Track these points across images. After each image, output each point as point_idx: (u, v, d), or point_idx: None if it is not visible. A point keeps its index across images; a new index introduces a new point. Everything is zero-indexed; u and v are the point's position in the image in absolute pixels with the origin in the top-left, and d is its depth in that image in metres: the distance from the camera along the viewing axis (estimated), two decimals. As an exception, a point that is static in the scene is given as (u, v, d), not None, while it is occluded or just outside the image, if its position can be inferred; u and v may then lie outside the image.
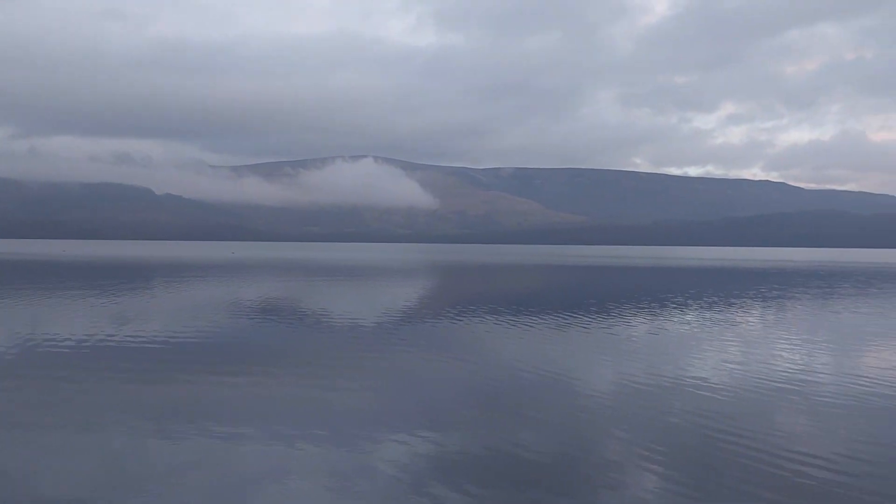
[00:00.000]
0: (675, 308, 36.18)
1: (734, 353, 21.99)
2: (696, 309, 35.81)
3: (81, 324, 26.99)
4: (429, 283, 60.66)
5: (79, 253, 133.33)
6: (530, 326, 28.04)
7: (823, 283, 60.68)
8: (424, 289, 53.82)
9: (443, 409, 14.73)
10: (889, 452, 11.82)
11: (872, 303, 40.90)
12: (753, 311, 35.21)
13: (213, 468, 11.06)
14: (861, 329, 28.40)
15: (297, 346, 22.87)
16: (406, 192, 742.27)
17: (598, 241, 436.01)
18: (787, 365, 19.73)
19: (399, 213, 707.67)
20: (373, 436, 12.69)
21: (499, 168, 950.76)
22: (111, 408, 14.36)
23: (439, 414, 14.27)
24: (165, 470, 10.88)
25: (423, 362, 20.04)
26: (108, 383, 16.59)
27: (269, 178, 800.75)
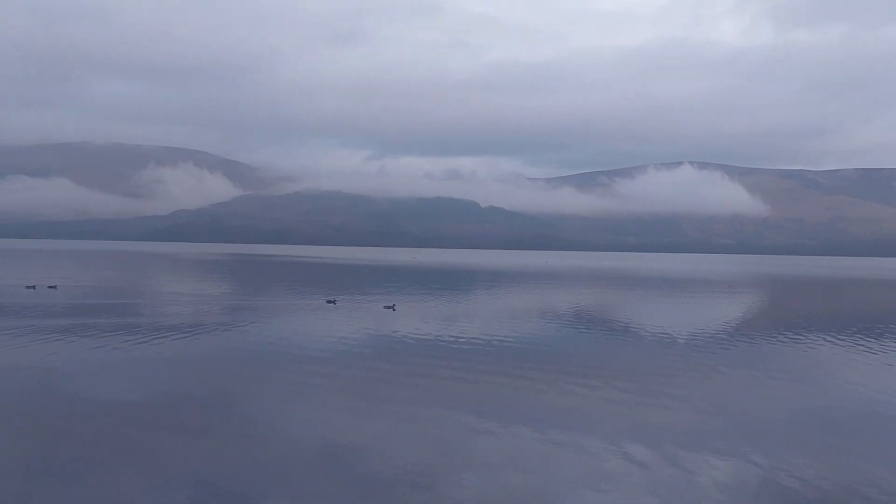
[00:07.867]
0: None
1: None
2: None
3: (424, 323, 29.90)
4: (759, 299, 55.19)
5: (426, 261, 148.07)
6: (881, 351, 23.70)
7: None
8: (754, 304, 49.09)
9: (771, 432, 13.13)
10: None
11: None
12: None
13: (524, 469, 11.22)
14: None
15: (609, 356, 22.35)
16: (730, 198, 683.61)
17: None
18: None
19: (722, 222, 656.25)
20: (693, 454, 11.70)
21: (839, 170, 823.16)
22: (436, 402, 15.41)
23: (767, 437, 12.75)
24: (481, 465, 11.34)
25: (751, 381, 18.13)
26: (434, 380, 17.92)
27: (582, 188, 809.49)
